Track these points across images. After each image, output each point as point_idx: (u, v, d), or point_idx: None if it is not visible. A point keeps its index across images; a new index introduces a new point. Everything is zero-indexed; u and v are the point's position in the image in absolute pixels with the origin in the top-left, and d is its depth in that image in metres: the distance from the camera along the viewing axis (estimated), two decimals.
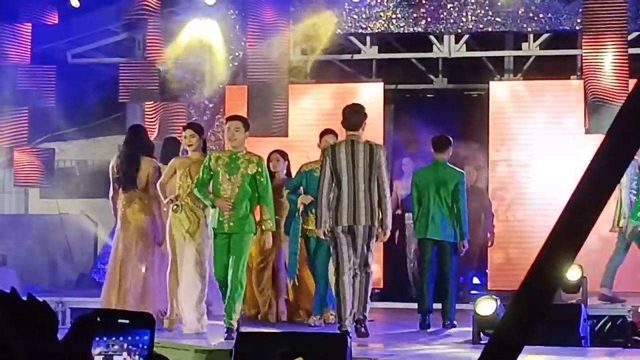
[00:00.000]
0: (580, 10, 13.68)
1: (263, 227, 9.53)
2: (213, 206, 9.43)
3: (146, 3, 14.36)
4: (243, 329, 9.10)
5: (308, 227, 10.51)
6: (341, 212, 9.23)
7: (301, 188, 10.68)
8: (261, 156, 9.76)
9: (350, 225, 9.23)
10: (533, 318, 1.24)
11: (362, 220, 9.19)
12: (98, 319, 1.98)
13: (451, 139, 10.84)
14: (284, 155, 11.35)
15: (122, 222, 10.21)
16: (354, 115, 9.48)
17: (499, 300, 9.02)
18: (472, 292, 13.40)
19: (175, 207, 9.87)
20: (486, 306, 8.99)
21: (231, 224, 9.32)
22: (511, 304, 1.27)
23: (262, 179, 9.45)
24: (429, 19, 14.41)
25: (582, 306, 9.42)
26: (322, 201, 9.33)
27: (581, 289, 10.51)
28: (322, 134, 10.78)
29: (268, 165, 10.58)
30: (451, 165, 10.70)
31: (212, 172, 9.44)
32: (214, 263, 9.49)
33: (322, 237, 9.50)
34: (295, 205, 10.60)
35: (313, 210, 10.10)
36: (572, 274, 10.21)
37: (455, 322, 10.40)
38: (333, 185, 9.32)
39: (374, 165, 9.25)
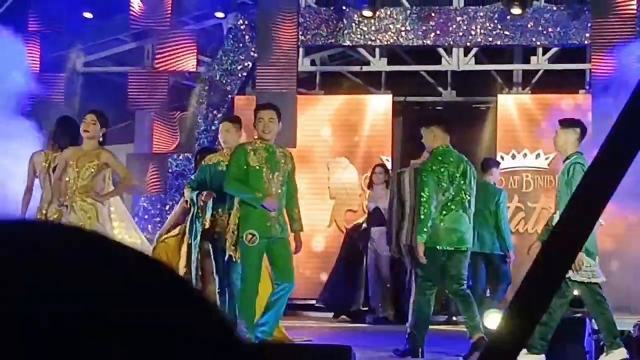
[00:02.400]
0: (589, 24, 13.68)
1: (293, 228, 8.48)
2: (261, 205, 8.23)
3: (156, 12, 14.40)
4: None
5: (214, 229, 8.94)
6: (401, 232, 9.83)
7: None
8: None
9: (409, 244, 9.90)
10: (529, 324, 1.24)
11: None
12: None
13: (498, 160, 12.28)
14: None
15: None
16: None
17: None
18: None
19: (65, 209, 8.47)
20: (494, 319, 8.97)
21: (277, 227, 8.27)
22: (507, 310, 1.27)
23: (293, 177, 8.63)
24: (438, 32, 14.42)
25: (587, 320, 9.38)
26: (394, 226, 10.01)
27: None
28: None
29: None
30: (493, 184, 11.57)
31: (245, 167, 8.31)
32: (249, 270, 8.22)
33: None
34: (196, 205, 8.95)
35: (219, 210, 8.91)
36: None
37: None
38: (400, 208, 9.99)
39: None
